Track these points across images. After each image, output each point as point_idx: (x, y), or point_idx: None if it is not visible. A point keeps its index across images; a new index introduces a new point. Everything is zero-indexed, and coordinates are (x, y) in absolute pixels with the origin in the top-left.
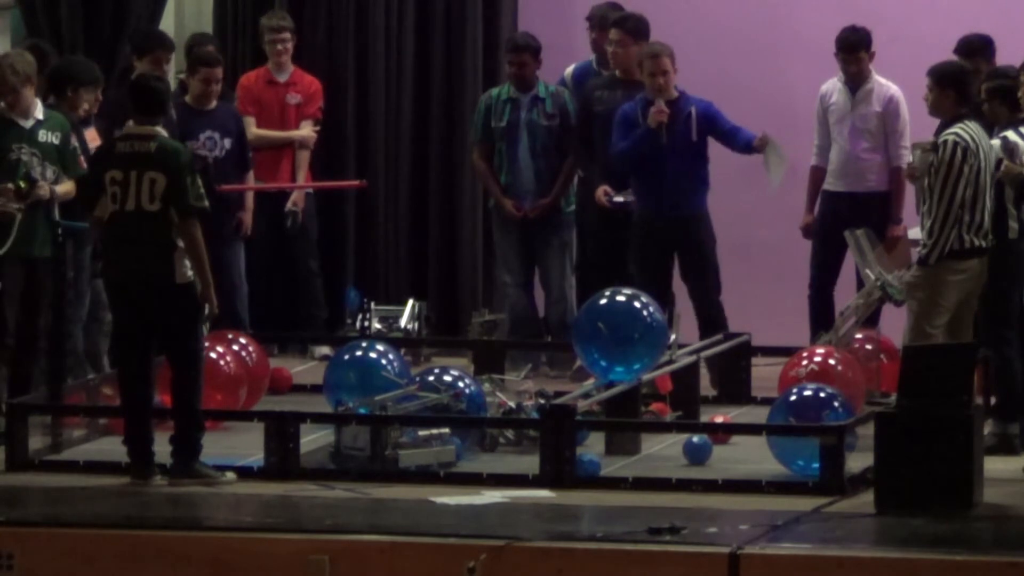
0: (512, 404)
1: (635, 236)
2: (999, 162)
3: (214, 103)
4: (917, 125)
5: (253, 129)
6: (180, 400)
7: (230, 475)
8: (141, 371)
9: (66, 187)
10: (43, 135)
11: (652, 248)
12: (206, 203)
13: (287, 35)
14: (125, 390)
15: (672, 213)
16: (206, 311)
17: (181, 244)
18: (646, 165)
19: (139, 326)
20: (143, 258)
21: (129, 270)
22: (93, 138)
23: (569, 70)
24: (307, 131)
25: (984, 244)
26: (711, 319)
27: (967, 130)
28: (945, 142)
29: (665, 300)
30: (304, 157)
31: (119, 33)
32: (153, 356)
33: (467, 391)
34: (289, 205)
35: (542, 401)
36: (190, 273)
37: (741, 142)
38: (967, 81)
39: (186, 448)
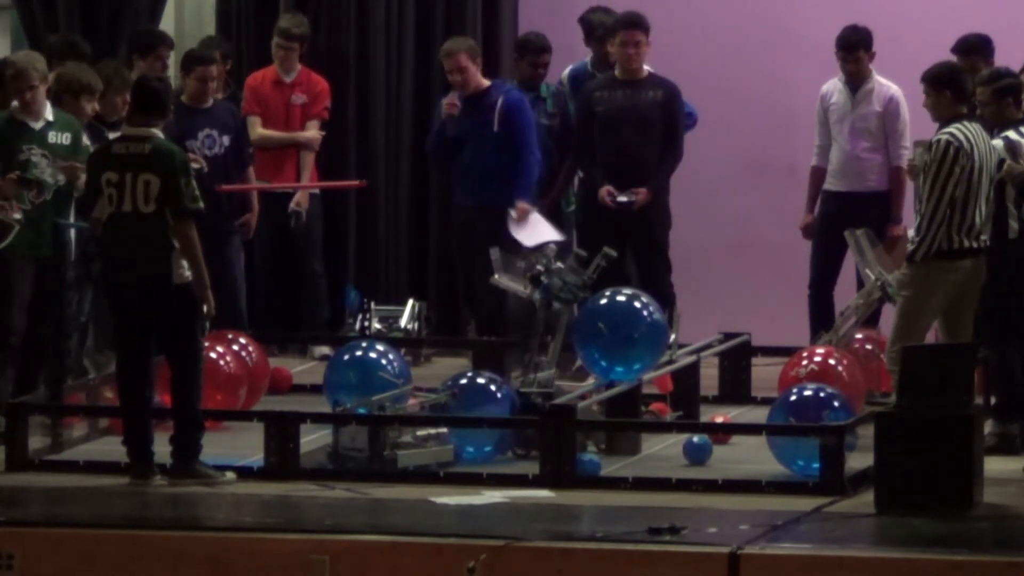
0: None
1: (452, 225)
2: (1001, 162)
3: (211, 101)
4: (917, 125)
5: (259, 129)
6: (179, 400)
7: (230, 475)
8: (140, 371)
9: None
10: (53, 136)
11: (458, 236)
12: (201, 204)
13: (296, 45)
14: (124, 390)
15: (471, 202)
16: (204, 311)
17: (178, 245)
18: (451, 154)
19: (138, 327)
20: (140, 259)
21: (127, 271)
22: None
23: (565, 72)
24: (312, 132)
25: (976, 245)
26: (485, 315)
27: (963, 130)
28: (938, 141)
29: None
30: (309, 159)
31: (116, 34)
32: (152, 356)
33: (499, 394)
34: (292, 205)
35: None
36: (187, 274)
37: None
38: (962, 80)
39: (186, 448)
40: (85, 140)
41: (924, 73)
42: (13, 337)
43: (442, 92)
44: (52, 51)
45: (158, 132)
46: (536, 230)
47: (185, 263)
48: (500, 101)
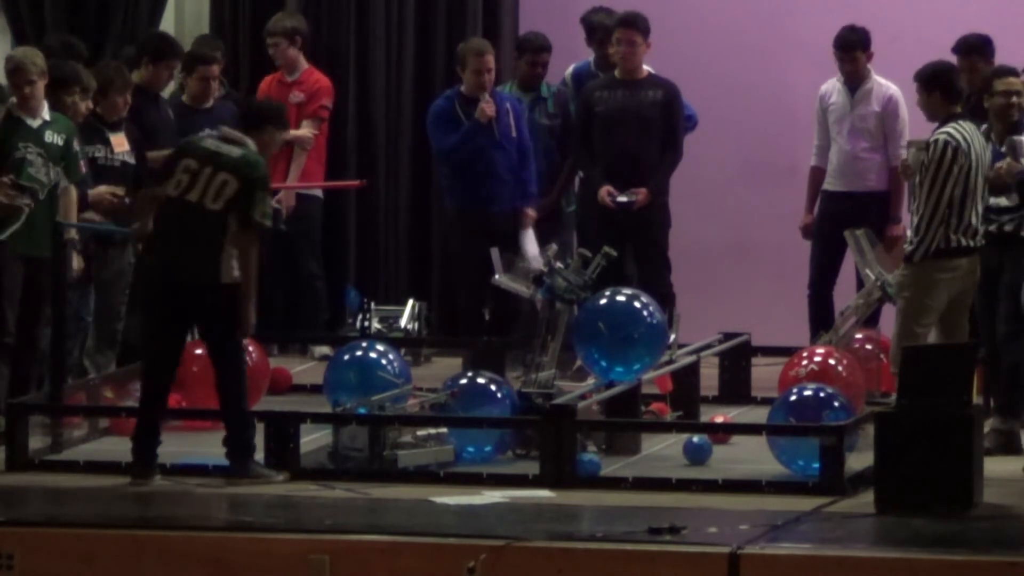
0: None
1: (454, 228)
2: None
3: (211, 101)
4: (916, 125)
5: None
6: (228, 401)
7: (284, 475)
8: (169, 369)
9: (71, 197)
10: (49, 136)
11: (472, 240)
12: (269, 223)
13: (279, 39)
14: (149, 386)
15: (502, 208)
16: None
17: (229, 247)
18: (474, 159)
19: (173, 323)
20: (191, 254)
21: (176, 266)
22: (120, 143)
23: (569, 71)
24: (304, 131)
25: (972, 244)
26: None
27: (959, 129)
28: (936, 141)
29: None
30: (301, 157)
31: (104, 34)
32: (181, 354)
33: (499, 394)
34: (273, 203)
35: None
36: (236, 273)
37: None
38: (952, 79)
39: (240, 448)
40: (75, 146)
41: (916, 73)
42: (7, 336)
43: (441, 92)
44: (48, 52)
45: (252, 144)
46: (532, 239)
47: (235, 263)
48: (509, 107)
